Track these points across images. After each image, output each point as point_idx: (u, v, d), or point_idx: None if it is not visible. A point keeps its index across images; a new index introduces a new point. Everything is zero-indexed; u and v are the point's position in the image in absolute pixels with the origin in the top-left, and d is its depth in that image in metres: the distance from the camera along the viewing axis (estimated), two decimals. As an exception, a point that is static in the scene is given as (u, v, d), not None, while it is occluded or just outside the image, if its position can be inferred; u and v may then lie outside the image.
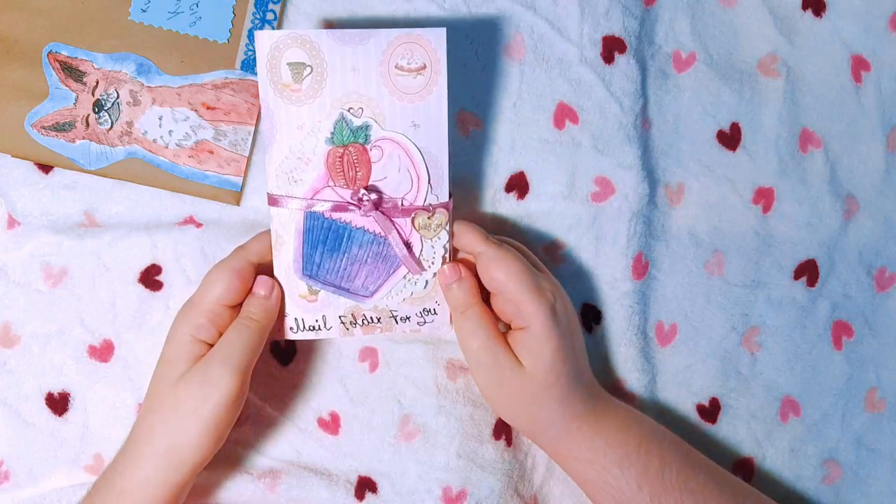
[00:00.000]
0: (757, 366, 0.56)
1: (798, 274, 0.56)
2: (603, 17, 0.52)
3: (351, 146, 0.44)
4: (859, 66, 0.56)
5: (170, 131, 0.50)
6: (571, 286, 0.53)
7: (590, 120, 0.53)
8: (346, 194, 0.45)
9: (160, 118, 0.50)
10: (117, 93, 0.50)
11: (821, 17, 0.56)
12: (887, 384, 0.58)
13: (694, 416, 0.55)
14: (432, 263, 0.47)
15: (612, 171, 0.53)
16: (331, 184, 0.45)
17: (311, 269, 0.46)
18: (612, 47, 0.52)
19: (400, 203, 0.45)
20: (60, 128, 0.50)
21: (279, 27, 0.51)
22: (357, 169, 0.44)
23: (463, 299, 0.46)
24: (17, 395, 0.51)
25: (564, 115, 0.53)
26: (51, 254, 0.51)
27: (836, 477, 0.57)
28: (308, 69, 0.43)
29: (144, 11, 0.50)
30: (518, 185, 0.53)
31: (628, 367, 0.54)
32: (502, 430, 0.53)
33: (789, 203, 0.56)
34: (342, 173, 0.44)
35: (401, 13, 0.51)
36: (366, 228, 0.45)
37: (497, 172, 0.52)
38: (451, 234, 0.47)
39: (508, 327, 0.47)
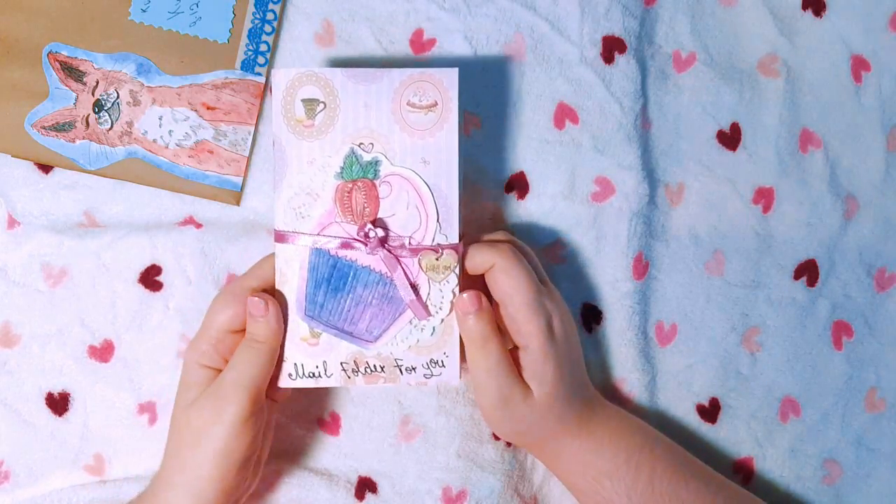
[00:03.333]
0: (757, 366, 0.56)
1: (798, 274, 0.56)
2: (603, 17, 0.52)
3: (360, 181, 0.44)
4: (859, 66, 0.56)
5: (170, 131, 0.50)
6: (572, 286, 0.54)
7: (590, 120, 0.53)
8: (353, 230, 0.44)
9: (160, 118, 0.50)
10: (117, 93, 0.50)
11: (821, 17, 0.56)
12: (887, 384, 0.58)
13: (694, 416, 0.55)
14: (440, 309, 0.45)
15: (612, 171, 0.53)
16: (338, 219, 0.44)
17: (313, 310, 0.44)
18: (612, 47, 0.52)
19: (407, 242, 0.44)
20: (60, 128, 0.50)
21: (279, 27, 0.51)
22: (365, 204, 0.44)
23: (482, 332, 0.43)
24: (17, 395, 0.51)
25: (564, 115, 0.53)
26: (51, 254, 0.51)
27: (836, 477, 0.57)
28: (321, 105, 0.43)
29: (144, 11, 0.50)
30: (518, 185, 0.53)
31: (628, 367, 0.54)
32: (502, 430, 0.53)
33: (789, 203, 0.56)
34: (350, 208, 0.44)
35: (401, 13, 0.51)
36: (371, 267, 0.44)
37: (497, 172, 0.52)
38: (461, 279, 0.45)
39: None
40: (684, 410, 0.55)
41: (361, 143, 0.44)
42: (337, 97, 0.43)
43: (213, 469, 0.42)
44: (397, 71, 0.43)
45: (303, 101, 0.43)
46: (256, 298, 0.43)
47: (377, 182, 0.44)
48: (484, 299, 0.44)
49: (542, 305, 0.44)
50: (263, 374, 0.43)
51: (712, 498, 0.47)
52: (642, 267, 0.54)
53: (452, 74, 0.44)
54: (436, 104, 0.44)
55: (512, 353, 0.46)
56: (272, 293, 0.44)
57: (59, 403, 0.52)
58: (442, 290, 0.45)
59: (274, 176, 0.44)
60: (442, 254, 0.44)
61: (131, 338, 0.52)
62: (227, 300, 0.44)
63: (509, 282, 0.44)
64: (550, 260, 0.53)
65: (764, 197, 0.55)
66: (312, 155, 0.44)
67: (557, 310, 0.46)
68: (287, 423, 0.52)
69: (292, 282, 0.44)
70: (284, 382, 0.45)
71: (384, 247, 0.44)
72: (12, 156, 0.50)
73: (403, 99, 0.43)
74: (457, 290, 0.45)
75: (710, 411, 0.56)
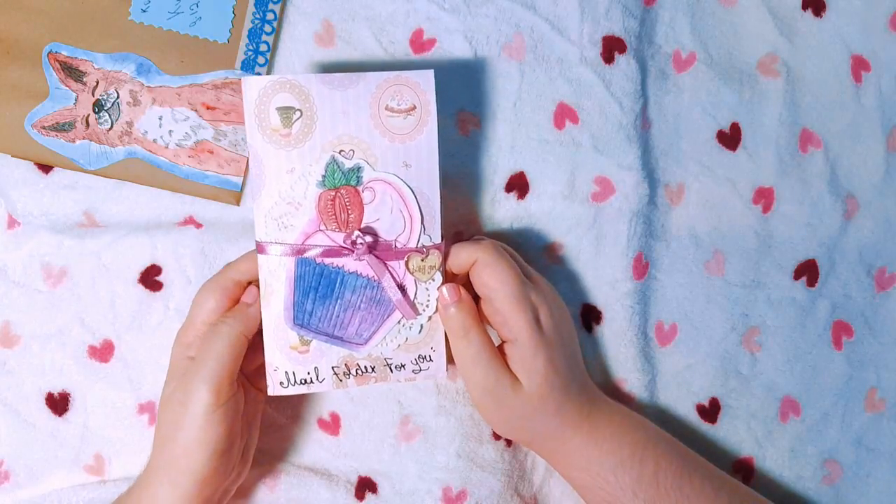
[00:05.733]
0: (757, 366, 0.56)
1: (798, 274, 0.56)
2: (603, 17, 0.52)
3: (343, 188, 0.44)
4: (859, 66, 0.56)
5: (170, 131, 0.50)
6: (571, 286, 0.54)
7: (590, 120, 0.53)
8: (339, 238, 0.44)
9: (160, 118, 0.50)
10: (117, 93, 0.50)
11: (821, 17, 0.56)
12: (887, 384, 0.58)
13: (694, 416, 0.55)
14: (426, 307, 0.45)
15: (612, 171, 0.53)
16: (322, 228, 0.44)
17: (302, 318, 0.44)
18: (612, 47, 0.52)
19: (394, 245, 0.44)
20: (60, 128, 0.50)
21: (279, 27, 0.51)
22: (349, 211, 0.44)
23: (462, 322, 0.45)
24: (17, 395, 0.51)
25: (564, 115, 0.53)
26: (51, 254, 0.51)
27: (836, 477, 0.57)
28: (297, 113, 0.42)
29: (144, 11, 0.50)
30: (518, 185, 0.53)
31: (628, 367, 0.54)
32: (502, 430, 0.53)
33: (789, 203, 0.56)
34: (334, 216, 0.44)
35: (401, 13, 0.51)
36: (358, 273, 0.44)
37: (497, 172, 0.52)
38: (444, 276, 0.46)
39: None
40: (684, 410, 0.55)
41: (342, 151, 0.43)
42: (313, 104, 0.42)
43: (190, 460, 0.42)
44: (373, 75, 0.43)
45: (278, 109, 0.42)
46: (254, 287, 0.44)
47: (360, 188, 0.44)
48: (464, 291, 0.45)
49: (527, 297, 0.45)
50: (228, 363, 0.43)
51: (716, 494, 0.47)
52: (642, 267, 0.54)
53: (428, 76, 0.43)
54: (414, 108, 0.43)
55: (501, 349, 0.46)
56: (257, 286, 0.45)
57: (59, 403, 0.52)
58: (428, 288, 0.45)
59: (251, 186, 0.44)
60: (427, 254, 0.45)
61: (131, 338, 0.52)
62: (210, 290, 0.44)
63: (493, 275, 0.44)
64: (550, 260, 0.53)
65: (764, 197, 0.55)
66: (291, 164, 0.43)
67: (545, 303, 0.46)
68: (287, 423, 0.52)
69: (279, 291, 0.44)
70: (276, 391, 0.45)
71: (372, 253, 0.44)
72: (12, 156, 0.50)
73: (381, 104, 0.43)
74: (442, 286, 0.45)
75: (710, 411, 0.56)
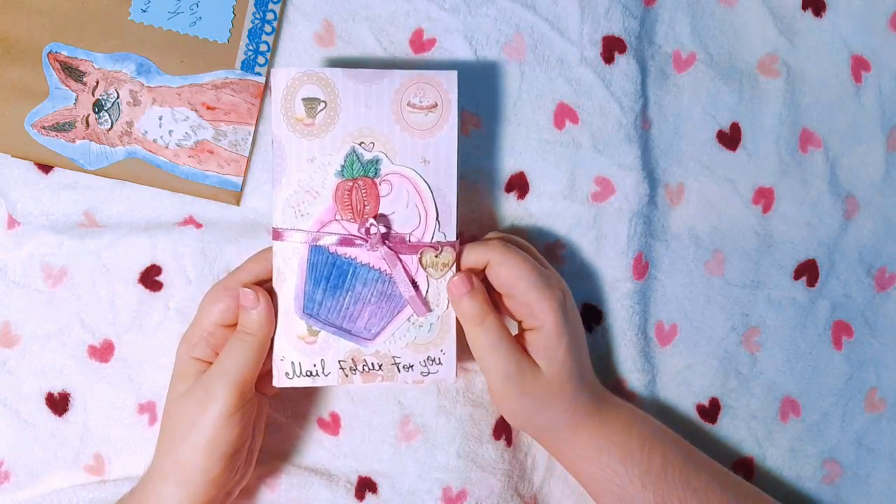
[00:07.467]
0: (757, 366, 0.56)
1: (798, 274, 0.56)
2: (603, 17, 0.52)
3: (360, 179, 0.44)
4: (859, 66, 0.56)
5: (170, 131, 0.50)
6: (572, 286, 0.53)
7: (590, 120, 0.53)
8: (353, 228, 0.44)
9: (160, 118, 0.50)
10: (117, 93, 0.50)
11: (821, 17, 0.56)
12: (887, 384, 0.58)
13: (694, 416, 0.55)
14: (437, 305, 0.45)
15: (612, 171, 0.53)
16: (338, 217, 0.44)
17: (311, 308, 0.45)
18: (612, 47, 0.52)
19: (407, 239, 0.45)
20: (60, 128, 0.50)
21: (279, 27, 0.51)
22: (365, 202, 0.44)
23: (477, 310, 0.44)
24: (17, 395, 0.51)
25: (564, 115, 0.53)
26: (51, 254, 0.51)
27: (836, 477, 0.57)
28: (322, 104, 0.44)
29: (144, 11, 0.50)
30: (518, 185, 0.53)
31: (628, 367, 0.54)
32: (502, 430, 0.53)
33: (789, 203, 0.56)
34: (350, 206, 0.44)
35: (401, 13, 0.51)
36: (371, 265, 0.45)
37: (497, 172, 0.52)
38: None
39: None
40: (684, 410, 0.55)
41: (362, 143, 0.44)
42: (338, 97, 0.44)
43: (202, 460, 0.42)
44: (398, 72, 0.44)
45: (303, 100, 0.44)
46: (248, 290, 0.44)
47: (377, 181, 0.44)
48: (475, 279, 0.45)
49: (551, 283, 0.45)
50: (251, 367, 0.43)
51: (722, 489, 0.48)
52: (642, 267, 0.54)
53: (452, 77, 0.44)
54: (436, 105, 0.44)
55: (520, 338, 0.46)
56: (267, 287, 0.45)
57: (59, 403, 0.52)
58: (440, 286, 0.45)
59: (272, 174, 0.44)
60: (441, 251, 0.45)
61: (131, 338, 0.52)
62: (219, 293, 0.45)
63: (510, 271, 0.44)
64: (550, 260, 0.53)
65: (764, 197, 0.55)
66: (312, 153, 0.44)
67: (566, 291, 0.46)
68: (287, 423, 0.52)
69: (290, 279, 0.44)
70: (281, 382, 0.45)
71: (385, 243, 0.44)
72: (12, 156, 0.50)
73: (404, 100, 0.44)
74: None
75: (710, 411, 0.56)
